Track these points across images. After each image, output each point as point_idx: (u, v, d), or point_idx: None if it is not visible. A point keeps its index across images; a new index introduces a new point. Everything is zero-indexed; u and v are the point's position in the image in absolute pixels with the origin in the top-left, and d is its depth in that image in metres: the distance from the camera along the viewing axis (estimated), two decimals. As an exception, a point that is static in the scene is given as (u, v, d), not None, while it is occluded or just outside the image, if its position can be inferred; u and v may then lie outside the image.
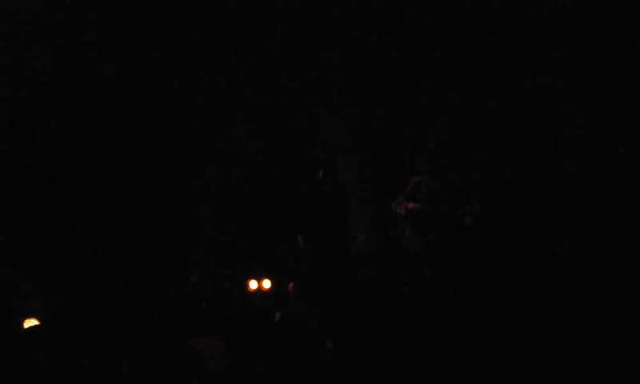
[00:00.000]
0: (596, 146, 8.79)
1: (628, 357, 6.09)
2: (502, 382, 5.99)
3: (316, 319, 8.14)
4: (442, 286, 7.77)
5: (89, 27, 9.22)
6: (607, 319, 6.55)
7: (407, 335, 6.82)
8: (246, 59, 9.94)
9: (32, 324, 7.40)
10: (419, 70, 10.42)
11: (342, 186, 8.98)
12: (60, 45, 8.29)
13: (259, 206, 10.37)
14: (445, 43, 9.98)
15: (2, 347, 4.05)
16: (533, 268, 7.47)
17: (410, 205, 8.51)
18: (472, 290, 7.42)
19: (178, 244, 7.68)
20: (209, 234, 9.71)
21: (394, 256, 8.83)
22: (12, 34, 8.64)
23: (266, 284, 10.16)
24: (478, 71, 9.59)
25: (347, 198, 9.07)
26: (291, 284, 9.45)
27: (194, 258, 8.93)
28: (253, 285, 10.12)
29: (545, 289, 7.09)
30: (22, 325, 7.18)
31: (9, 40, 8.62)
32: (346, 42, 10.41)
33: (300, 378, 6.72)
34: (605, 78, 8.99)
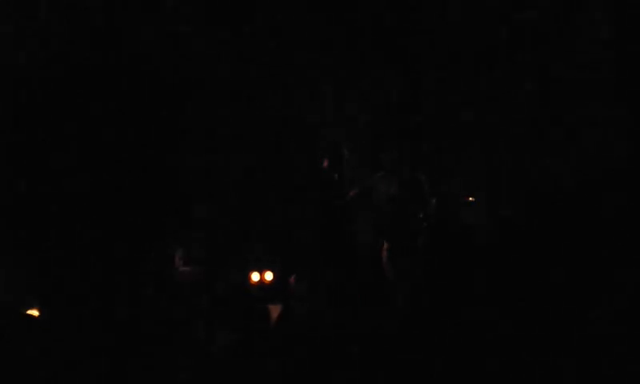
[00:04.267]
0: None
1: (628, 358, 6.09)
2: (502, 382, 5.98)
3: (319, 312, 8.13)
4: (442, 283, 7.76)
5: (85, 26, 9.21)
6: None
7: (408, 331, 6.81)
8: (249, 54, 9.93)
9: (32, 314, 7.41)
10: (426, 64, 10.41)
11: (348, 176, 8.92)
12: (58, 42, 8.28)
13: (261, 197, 10.33)
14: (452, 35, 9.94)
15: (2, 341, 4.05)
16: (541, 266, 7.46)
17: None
18: (473, 287, 7.41)
19: (179, 236, 7.66)
20: (209, 225, 9.70)
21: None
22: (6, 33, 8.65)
23: (268, 276, 10.14)
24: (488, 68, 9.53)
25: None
26: (293, 277, 9.43)
27: (196, 251, 8.91)
28: (255, 277, 10.11)
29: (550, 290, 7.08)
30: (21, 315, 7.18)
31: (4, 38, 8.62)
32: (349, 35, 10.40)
33: (302, 371, 6.72)
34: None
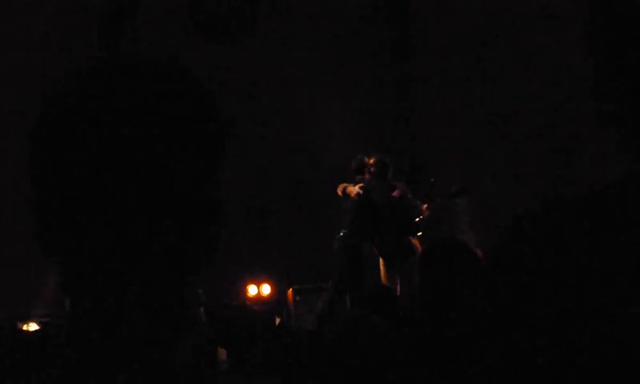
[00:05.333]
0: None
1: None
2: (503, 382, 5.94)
3: (316, 325, 8.07)
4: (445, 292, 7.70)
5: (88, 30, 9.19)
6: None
7: (410, 336, 6.77)
8: (253, 57, 9.91)
9: (32, 328, 7.36)
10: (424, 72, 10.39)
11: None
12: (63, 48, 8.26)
13: (259, 209, 10.26)
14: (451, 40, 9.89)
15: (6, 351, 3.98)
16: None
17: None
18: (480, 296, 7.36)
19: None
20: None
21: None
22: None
23: (266, 289, 10.06)
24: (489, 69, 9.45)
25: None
26: (290, 290, 9.37)
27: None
28: (252, 290, 10.03)
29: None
30: (22, 328, 7.12)
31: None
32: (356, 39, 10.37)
33: (303, 379, 6.64)
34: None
